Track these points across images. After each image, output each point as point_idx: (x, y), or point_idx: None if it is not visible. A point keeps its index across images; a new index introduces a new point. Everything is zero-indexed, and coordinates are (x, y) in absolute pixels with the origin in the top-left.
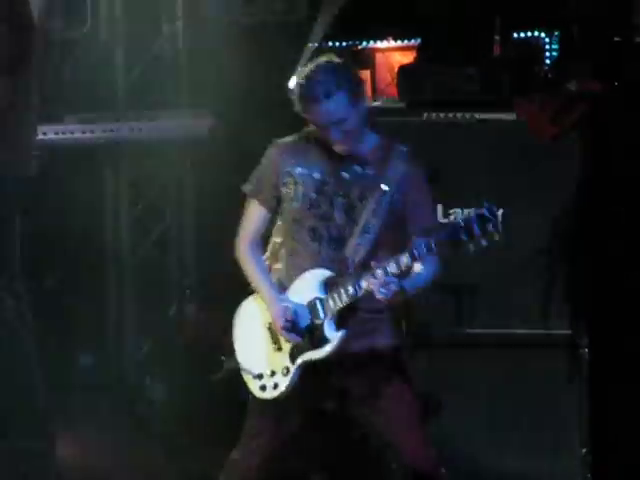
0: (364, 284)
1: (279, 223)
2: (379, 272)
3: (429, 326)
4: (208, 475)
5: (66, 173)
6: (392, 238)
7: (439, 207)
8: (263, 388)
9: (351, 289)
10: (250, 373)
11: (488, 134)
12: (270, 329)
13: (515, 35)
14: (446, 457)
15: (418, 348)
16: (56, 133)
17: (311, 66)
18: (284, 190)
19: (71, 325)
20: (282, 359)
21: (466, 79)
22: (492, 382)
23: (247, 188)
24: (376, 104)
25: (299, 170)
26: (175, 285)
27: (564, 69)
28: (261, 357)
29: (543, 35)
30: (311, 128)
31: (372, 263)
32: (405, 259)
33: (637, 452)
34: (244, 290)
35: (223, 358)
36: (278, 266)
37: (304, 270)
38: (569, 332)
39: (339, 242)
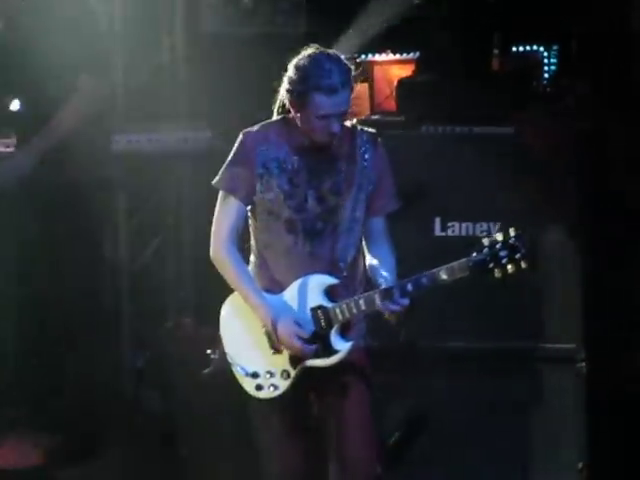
0: (380, 306)
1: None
2: (402, 300)
3: (416, 341)
4: None
5: None
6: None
7: (437, 220)
8: (259, 387)
9: (364, 306)
10: (243, 370)
11: (486, 147)
12: (267, 332)
13: (514, 49)
14: (434, 473)
15: (407, 362)
16: None
17: (320, 56)
18: (258, 182)
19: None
20: (281, 362)
21: (464, 93)
22: (485, 396)
23: (222, 184)
24: (375, 117)
25: (272, 161)
26: (172, 298)
27: (562, 84)
28: (255, 356)
29: (542, 49)
30: (277, 117)
31: (393, 289)
32: (425, 280)
33: (634, 467)
34: None
35: (210, 352)
36: (250, 259)
37: (280, 264)
38: (566, 346)
39: (313, 235)
